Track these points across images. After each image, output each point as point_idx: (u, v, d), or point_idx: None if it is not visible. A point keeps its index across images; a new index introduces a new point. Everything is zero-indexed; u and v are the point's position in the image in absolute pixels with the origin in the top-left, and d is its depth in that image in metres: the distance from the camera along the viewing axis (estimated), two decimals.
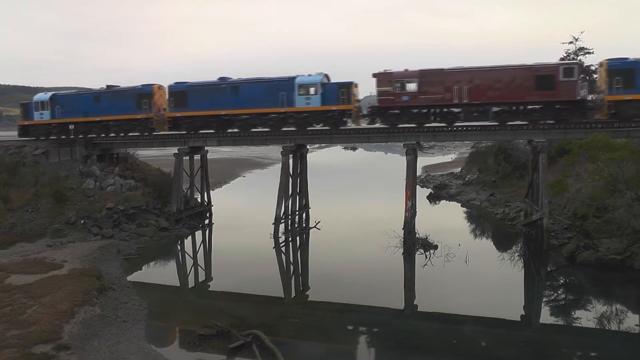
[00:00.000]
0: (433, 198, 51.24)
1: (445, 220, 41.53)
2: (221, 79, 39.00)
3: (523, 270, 29.38)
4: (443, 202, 50.08)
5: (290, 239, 36.24)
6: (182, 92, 38.93)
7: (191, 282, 29.19)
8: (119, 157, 44.51)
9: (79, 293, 22.97)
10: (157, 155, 62.86)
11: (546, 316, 23.32)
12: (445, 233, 33.91)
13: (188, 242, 36.93)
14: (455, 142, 62.69)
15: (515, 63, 32.63)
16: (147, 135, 40.24)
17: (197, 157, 41.51)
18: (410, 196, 33.04)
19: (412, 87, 33.64)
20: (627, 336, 20.73)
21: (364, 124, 36.48)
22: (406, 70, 34.06)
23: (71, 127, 41.47)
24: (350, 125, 36.08)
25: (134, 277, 28.30)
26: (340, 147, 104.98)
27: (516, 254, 31.81)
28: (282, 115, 36.63)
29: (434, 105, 33.62)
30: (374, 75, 34.67)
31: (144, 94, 40.11)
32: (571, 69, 31.51)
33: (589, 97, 32.75)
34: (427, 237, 32.26)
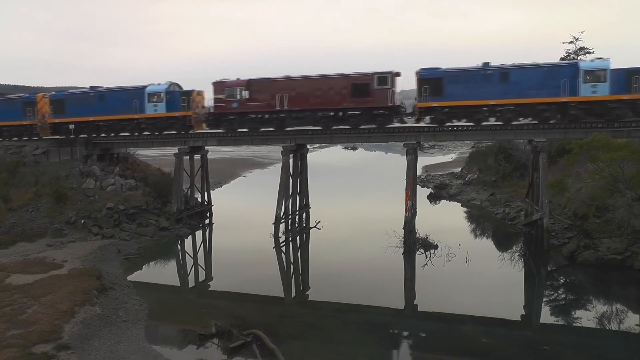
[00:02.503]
0: (433, 198, 51.24)
1: (445, 220, 41.52)
2: (92, 87, 43.72)
3: (523, 270, 29.38)
4: (443, 201, 50.08)
5: (290, 239, 36.25)
6: (60, 100, 42.79)
7: (191, 282, 29.20)
8: (119, 156, 44.51)
9: (79, 293, 22.99)
10: (157, 155, 62.88)
11: (546, 316, 23.32)
12: (445, 233, 33.92)
13: (188, 241, 36.93)
14: (455, 141, 62.73)
15: (335, 72, 35.80)
16: (147, 135, 40.31)
17: (197, 156, 41.51)
18: (411, 196, 33.04)
19: (241, 95, 36.83)
20: (627, 336, 20.73)
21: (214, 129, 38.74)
22: (237, 79, 37.49)
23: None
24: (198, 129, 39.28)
25: (134, 276, 28.31)
26: (341, 146, 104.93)
27: (516, 254, 31.81)
28: (136, 121, 40.03)
29: (262, 111, 36.70)
30: (212, 84, 38.19)
31: (29, 101, 43.73)
32: (385, 77, 34.23)
33: (401, 103, 35.86)
34: (427, 237, 32.27)
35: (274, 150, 78.14)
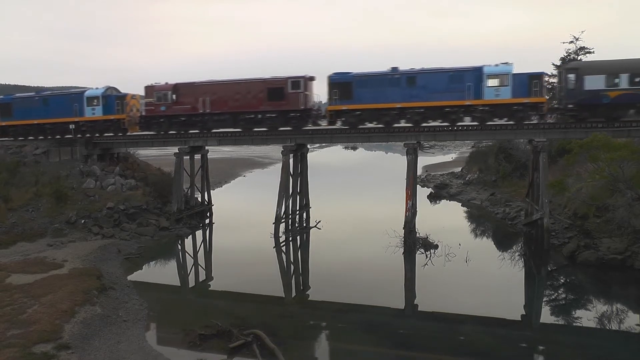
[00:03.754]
0: (433, 197, 51.25)
1: (445, 219, 41.50)
2: (37, 92, 46.75)
3: (523, 269, 29.39)
4: (443, 201, 50.08)
5: (290, 239, 36.25)
6: (7, 104, 44.23)
7: (192, 282, 29.20)
8: (119, 156, 44.51)
9: (79, 292, 23.00)
10: (157, 155, 62.93)
11: (546, 316, 23.33)
12: (445, 232, 33.92)
13: (188, 241, 36.94)
14: (455, 141, 62.71)
15: (252, 77, 37.72)
16: (147, 135, 40.38)
17: (197, 156, 41.51)
18: (411, 196, 33.05)
19: (168, 98, 38.61)
20: (627, 336, 20.72)
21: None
22: (166, 83, 39.24)
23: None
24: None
25: (135, 276, 28.32)
26: (341, 146, 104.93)
27: (516, 254, 31.82)
28: (77, 124, 41.35)
29: (187, 114, 38.41)
30: (144, 88, 40.23)
31: None
32: (298, 82, 36.00)
33: (315, 106, 37.38)
34: (427, 237, 32.27)
35: (274, 150, 78.16)
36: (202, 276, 29.99)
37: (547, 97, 32.86)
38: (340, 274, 28.40)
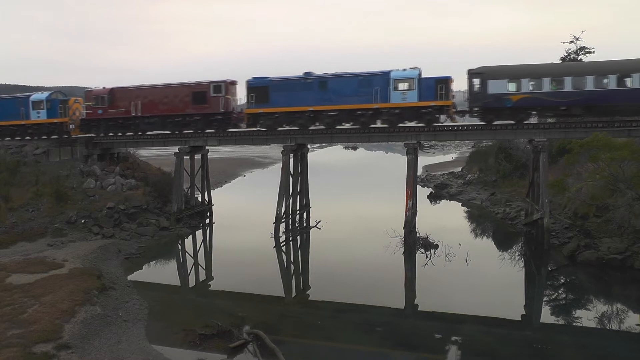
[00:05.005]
0: (434, 197, 51.23)
1: (445, 219, 41.50)
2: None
3: (524, 269, 29.39)
4: (444, 201, 50.07)
5: (290, 239, 36.26)
6: None
7: (192, 282, 29.21)
8: (119, 156, 44.52)
9: (79, 292, 23.02)
10: (157, 155, 62.89)
11: (547, 316, 23.34)
12: (445, 232, 33.93)
13: (189, 241, 36.95)
14: (455, 141, 62.69)
15: (179, 82, 39.56)
16: (148, 135, 40.44)
17: (197, 156, 41.52)
18: (411, 195, 33.06)
19: (105, 102, 40.19)
20: (627, 336, 20.73)
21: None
22: (103, 88, 41.14)
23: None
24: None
25: (135, 276, 28.32)
26: (341, 146, 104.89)
27: (517, 254, 31.82)
28: (24, 127, 42.64)
29: (121, 117, 39.91)
30: (84, 92, 42.76)
31: None
32: (219, 86, 37.53)
33: (236, 109, 38.75)
34: (427, 237, 32.26)
35: (274, 150, 78.07)
36: (202, 276, 30.00)
37: (454, 100, 34.12)
38: (340, 273, 28.40)
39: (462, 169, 62.62)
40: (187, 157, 40.03)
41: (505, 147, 48.51)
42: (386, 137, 37.03)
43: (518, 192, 42.69)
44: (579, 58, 48.12)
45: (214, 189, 48.57)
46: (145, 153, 55.59)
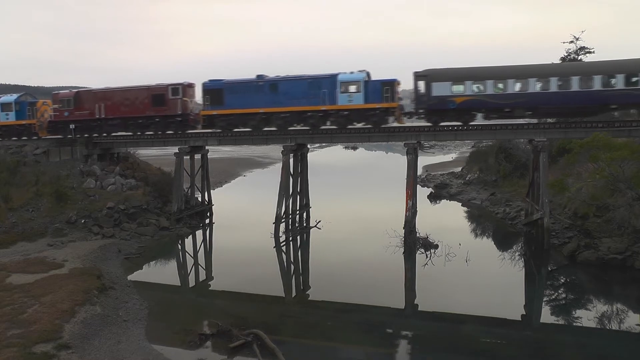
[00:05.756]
0: (434, 197, 51.23)
1: (446, 219, 41.51)
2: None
3: (524, 269, 29.38)
4: (444, 201, 50.05)
5: (290, 239, 36.26)
6: None
7: (192, 282, 29.20)
8: (119, 156, 44.51)
9: (79, 292, 23.00)
10: (157, 155, 62.85)
11: (547, 316, 23.33)
12: (446, 232, 33.92)
13: (189, 241, 36.94)
14: (455, 141, 62.69)
15: (139, 85, 40.39)
16: (148, 135, 40.42)
17: (197, 156, 41.52)
18: (411, 195, 33.06)
19: (70, 105, 41.08)
20: (627, 336, 20.73)
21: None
22: (69, 91, 43.11)
23: (72, 126, 41.54)
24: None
25: (135, 276, 28.31)
26: (341, 146, 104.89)
27: (517, 254, 31.81)
28: None
29: (86, 119, 40.83)
30: (52, 95, 43.66)
31: None
32: (177, 88, 38.58)
33: (193, 111, 39.37)
34: (427, 237, 32.25)
35: (274, 150, 78.03)
36: (202, 276, 30.00)
37: (400, 102, 35.14)
38: (340, 273, 28.39)
39: (462, 169, 62.60)
40: (187, 157, 40.04)
41: (505, 147, 48.49)
42: (386, 137, 37.05)
43: (518, 192, 42.68)
44: (579, 58, 48.10)
45: (214, 189, 48.56)
46: (145, 153, 55.56)
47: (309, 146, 40.46)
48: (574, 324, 22.39)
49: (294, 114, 36.07)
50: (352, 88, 34.57)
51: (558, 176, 33.07)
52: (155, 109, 38.99)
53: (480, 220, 41.38)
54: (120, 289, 25.18)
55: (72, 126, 41.60)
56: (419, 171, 52.90)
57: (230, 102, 37.20)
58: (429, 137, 35.90)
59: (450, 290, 25.71)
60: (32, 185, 37.35)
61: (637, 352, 19.18)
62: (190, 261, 33.12)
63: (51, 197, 36.23)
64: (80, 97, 41.35)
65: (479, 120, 35.17)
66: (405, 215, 32.81)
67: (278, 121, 36.50)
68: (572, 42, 49.36)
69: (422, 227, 33.10)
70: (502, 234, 37.28)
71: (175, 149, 39.51)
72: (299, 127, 36.59)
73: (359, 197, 51.59)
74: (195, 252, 35.32)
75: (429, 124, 34.43)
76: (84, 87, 48.48)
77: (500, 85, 32.51)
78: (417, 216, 33.39)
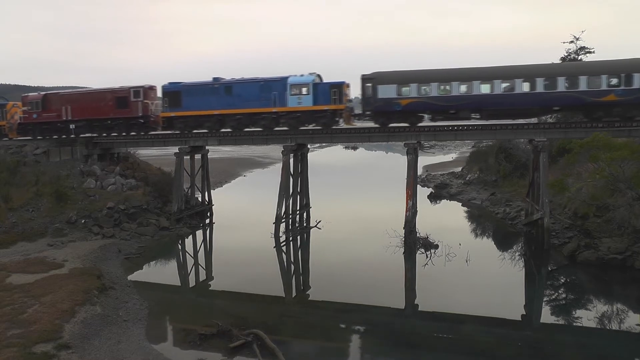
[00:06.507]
0: (434, 197, 51.22)
1: (446, 219, 41.51)
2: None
3: (524, 269, 29.38)
4: (444, 201, 50.05)
5: (291, 239, 36.26)
6: None
7: (192, 282, 29.21)
8: (119, 156, 44.51)
9: (79, 292, 23.00)
10: (157, 155, 62.85)
11: (547, 316, 23.33)
12: (446, 232, 33.92)
13: (189, 241, 36.94)
14: (456, 141, 62.67)
15: (104, 87, 41.76)
16: (148, 135, 40.48)
17: (197, 156, 41.53)
18: (411, 195, 33.06)
19: (39, 107, 41.98)
20: (627, 336, 20.72)
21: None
22: (38, 93, 44.17)
23: (72, 126, 41.57)
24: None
25: (135, 276, 28.32)
26: (341, 146, 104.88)
27: (517, 254, 31.80)
28: None
29: (53, 121, 41.66)
30: (21, 97, 43.89)
31: None
32: (138, 91, 39.60)
33: (153, 113, 40.22)
34: (427, 237, 32.25)
35: (275, 150, 78.04)
36: (202, 276, 30.00)
37: (347, 104, 35.89)
38: (340, 273, 28.40)
39: (462, 169, 62.60)
40: (187, 157, 40.05)
41: (505, 147, 48.48)
42: (386, 137, 37.05)
43: (518, 192, 42.68)
44: (579, 58, 48.02)
45: (214, 189, 48.57)
46: (145, 153, 55.57)
47: (309, 146, 40.46)
48: (574, 324, 22.39)
49: (247, 115, 37.19)
50: (302, 90, 35.61)
51: (558, 176, 33.07)
52: (118, 111, 40.03)
53: (481, 220, 41.37)
54: (120, 289, 25.18)
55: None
56: (419, 171, 52.90)
57: (187, 104, 38.35)
58: (429, 137, 35.89)
59: (450, 290, 25.71)
60: (32, 185, 37.35)
61: (637, 352, 19.19)
62: (190, 261, 33.12)
63: (51, 197, 36.23)
64: (49, 100, 42.25)
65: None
66: (406, 215, 32.81)
67: (232, 123, 37.63)
68: (572, 42, 49.27)
69: (422, 227, 33.10)
70: (502, 234, 37.28)
71: (176, 149, 39.53)
72: (253, 129, 37.84)
73: (359, 197, 51.59)
74: (195, 252, 35.32)
75: (376, 125, 35.20)
76: (84, 87, 48.64)
77: (445, 88, 33.17)
78: (417, 216, 33.39)
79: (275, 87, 36.20)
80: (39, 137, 42.04)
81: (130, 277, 27.77)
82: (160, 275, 30.20)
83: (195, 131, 38.99)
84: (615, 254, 27.46)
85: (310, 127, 36.41)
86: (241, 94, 37.12)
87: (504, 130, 33.06)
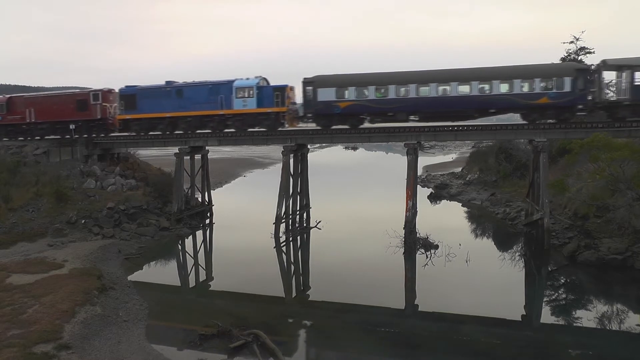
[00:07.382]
0: (434, 198, 51.24)
1: (446, 219, 41.53)
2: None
3: (524, 270, 29.38)
4: (444, 201, 50.07)
5: (291, 239, 36.26)
6: None
7: (192, 282, 29.20)
8: (119, 156, 44.53)
9: (79, 293, 22.99)
10: (157, 155, 62.90)
11: (547, 316, 23.31)
12: (446, 233, 33.93)
13: (189, 241, 36.95)
14: (456, 141, 62.70)
15: (65, 91, 43.95)
16: (148, 135, 40.49)
17: (198, 156, 41.56)
18: (411, 196, 33.06)
19: (3, 109, 43.18)
20: (627, 336, 20.71)
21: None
22: (3, 96, 44.54)
23: (72, 126, 41.61)
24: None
25: (135, 276, 28.31)
26: (341, 146, 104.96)
27: (517, 254, 31.80)
28: None
29: (18, 123, 43.00)
30: None
31: None
32: (97, 94, 41.07)
33: (111, 115, 41.43)
34: (428, 237, 32.26)
35: (275, 150, 78.12)
36: (202, 276, 29.99)
37: (290, 107, 36.83)
38: (340, 274, 28.40)
39: (462, 169, 62.67)
40: (187, 157, 40.07)
41: (505, 147, 48.55)
42: (386, 138, 37.08)
43: (518, 192, 42.71)
44: (579, 58, 48.07)
45: (214, 189, 48.58)
46: (145, 153, 55.57)
47: (309, 146, 40.47)
48: (574, 324, 22.38)
49: (196, 118, 38.42)
50: (246, 93, 36.80)
51: (558, 176, 33.10)
52: (79, 114, 41.17)
53: (481, 221, 41.38)
54: (120, 289, 25.17)
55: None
56: (419, 171, 52.94)
57: (142, 107, 39.61)
58: (429, 137, 35.88)
59: (450, 290, 25.71)
60: (32, 186, 37.35)
61: (637, 352, 19.17)
62: (190, 261, 33.12)
63: (51, 197, 36.23)
64: (13, 103, 43.41)
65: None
66: (406, 215, 32.82)
67: (183, 125, 38.79)
68: (572, 42, 49.38)
69: (423, 227, 33.10)
70: (502, 234, 37.28)
71: (176, 149, 39.55)
72: (203, 131, 38.67)
73: (359, 197, 51.62)
74: (196, 252, 35.32)
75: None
76: (84, 87, 48.70)
77: (382, 91, 33.91)
78: (417, 216, 33.38)
79: (222, 90, 37.42)
80: (4, 139, 43.26)
81: (130, 278, 27.76)
82: (161, 275, 30.19)
83: (196, 131, 38.88)
84: (616, 254, 27.46)
85: (256, 128, 37.61)
86: (191, 97, 38.38)
87: (504, 131, 33.06)
